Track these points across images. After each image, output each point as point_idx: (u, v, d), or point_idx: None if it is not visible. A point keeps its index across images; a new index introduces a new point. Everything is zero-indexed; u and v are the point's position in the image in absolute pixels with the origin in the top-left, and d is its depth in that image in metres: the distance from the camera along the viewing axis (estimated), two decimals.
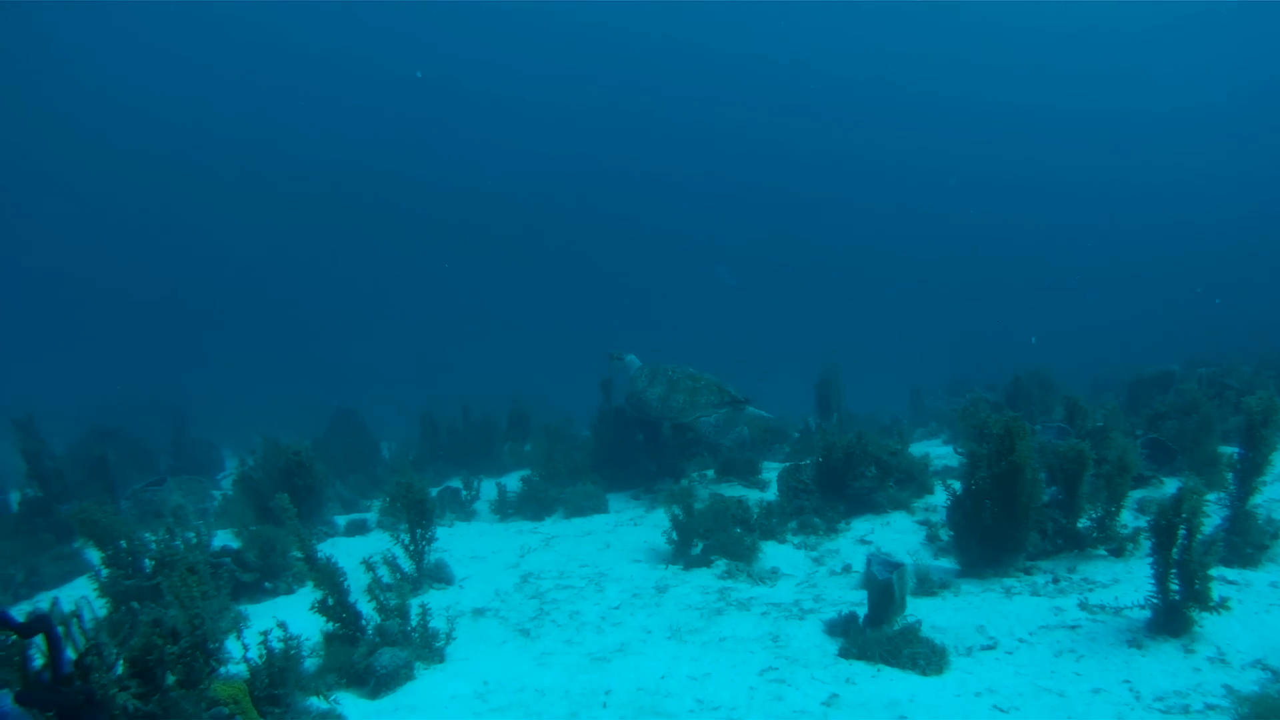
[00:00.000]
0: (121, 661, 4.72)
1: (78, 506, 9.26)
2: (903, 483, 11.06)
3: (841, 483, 10.63)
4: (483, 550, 10.39)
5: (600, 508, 11.94)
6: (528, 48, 72.05)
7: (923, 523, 10.10)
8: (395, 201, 76.98)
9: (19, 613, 4.77)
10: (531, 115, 77.44)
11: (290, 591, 9.28)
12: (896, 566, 7.19)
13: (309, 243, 74.40)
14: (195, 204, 73.46)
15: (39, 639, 4.54)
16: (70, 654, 4.56)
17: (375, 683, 6.50)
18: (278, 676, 5.93)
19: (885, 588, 7.00)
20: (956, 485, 8.67)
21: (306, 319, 60.44)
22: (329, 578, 7.06)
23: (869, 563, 7.69)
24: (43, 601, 9.53)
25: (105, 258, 69.89)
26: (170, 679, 4.80)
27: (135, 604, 7.44)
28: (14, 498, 12.61)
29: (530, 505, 12.10)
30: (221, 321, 59.40)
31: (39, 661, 4.97)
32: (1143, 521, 8.74)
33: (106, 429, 18.62)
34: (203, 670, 4.93)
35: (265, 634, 6.01)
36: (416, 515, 8.90)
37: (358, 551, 9.50)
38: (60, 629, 4.45)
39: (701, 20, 69.65)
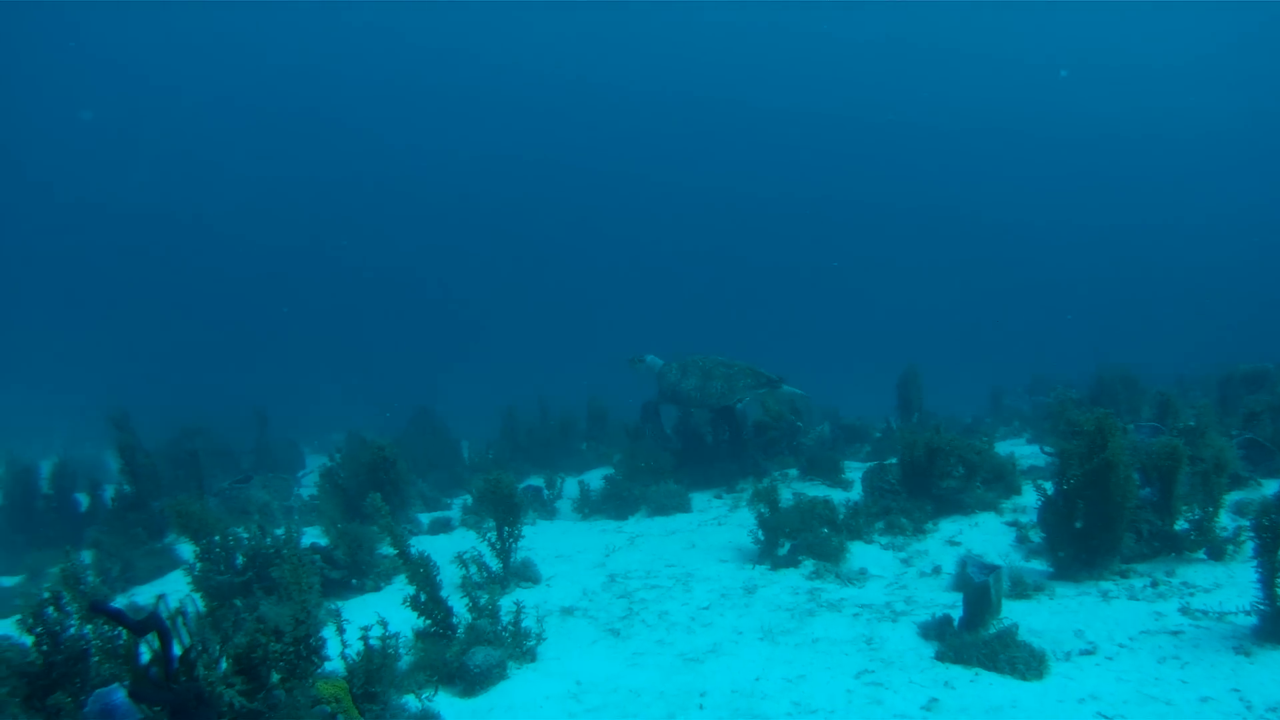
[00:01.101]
0: (225, 658, 4.77)
1: (174, 499, 9.43)
2: (990, 483, 10.90)
3: (927, 482, 10.50)
4: (567, 549, 10.40)
5: (683, 506, 11.89)
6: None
7: (1012, 524, 9.94)
8: (470, 203, 77.53)
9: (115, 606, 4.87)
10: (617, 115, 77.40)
11: (377, 589, 9.35)
12: (992, 569, 7.07)
13: (387, 247, 75.24)
14: (279, 208, 74.61)
15: (150, 636, 4.62)
16: (174, 649, 4.62)
17: (469, 681, 6.50)
18: (375, 674, 5.96)
19: (982, 590, 6.89)
20: (1048, 485, 8.51)
21: (384, 322, 61.16)
22: (423, 573, 7.10)
23: (964, 565, 7.59)
24: (138, 596, 9.71)
25: (189, 260, 71.19)
26: (275, 676, 4.83)
27: (238, 601, 7.53)
28: (108, 493, 12.85)
29: (613, 504, 12.10)
30: (301, 323, 60.27)
31: (146, 657, 5.06)
32: (1242, 523, 8.52)
33: (194, 427, 18.95)
34: (307, 667, 4.95)
35: (365, 630, 6.07)
36: (504, 512, 8.91)
37: (442, 549, 9.54)
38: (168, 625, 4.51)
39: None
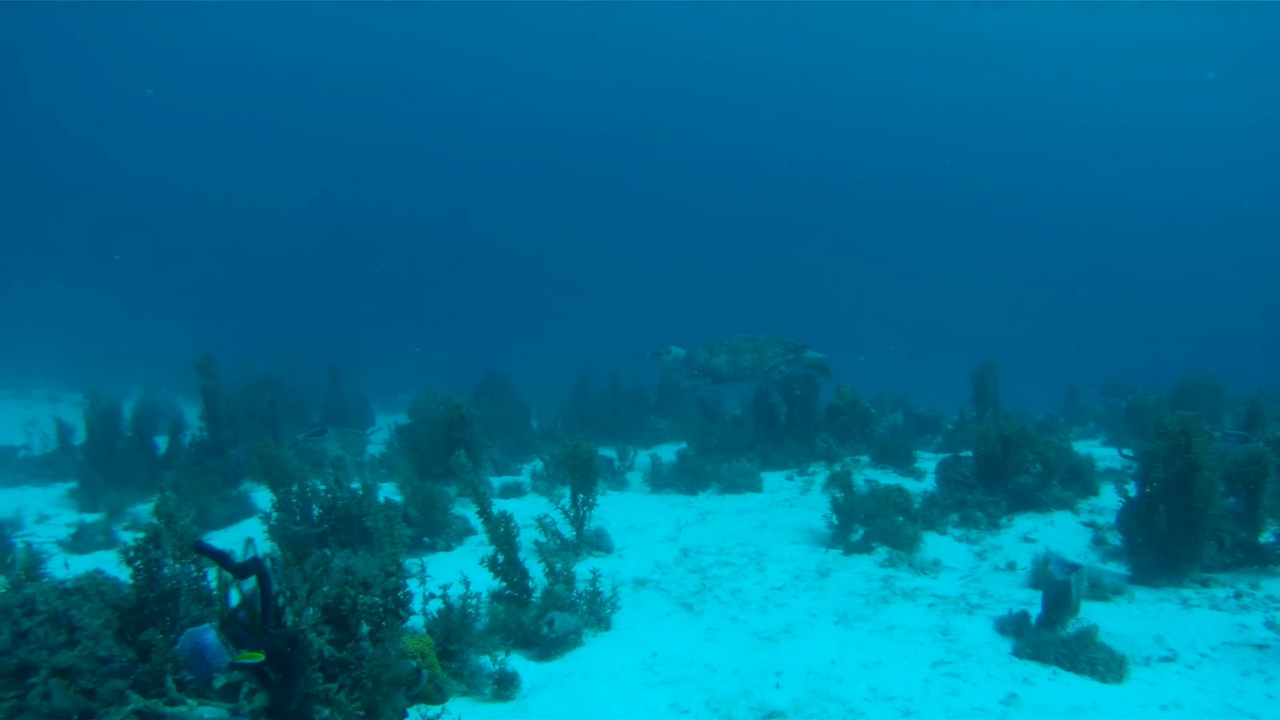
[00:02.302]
0: (312, 607, 4.84)
1: (259, 443, 9.56)
2: (1066, 482, 10.76)
3: (1003, 477, 10.39)
4: (639, 520, 10.43)
5: (754, 486, 11.85)
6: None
7: (1088, 524, 9.81)
8: (550, 177, 77.60)
9: None
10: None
11: (449, 548, 9.44)
12: (1074, 568, 6.99)
13: (466, 216, 75.66)
14: (364, 173, 75.42)
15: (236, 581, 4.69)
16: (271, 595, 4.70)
17: (544, 646, 6.54)
18: (454, 632, 6.03)
19: (1063, 589, 6.81)
20: (1130, 487, 8.39)
21: (457, 288, 61.59)
22: (503, 533, 7.15)
23: (1045, 562, 7.51)
24: (214, 541, 9.87)
25: (272, 224, 72.17)
26: (365, 628, 4.89)
27: (327, 550, 7.63)
28: (184, 439, 13.05)
29: (684, 479, 12.10)
30: (376, 286, 60.89)
31: (234, 600, 5.15)
32: None
33: (269, 377, 19.15)
34: (394, 621, 5.01)
35: (444, 588, 6.14)
36: (581, 479, 8.95)
37: (513, 513, 9.56)
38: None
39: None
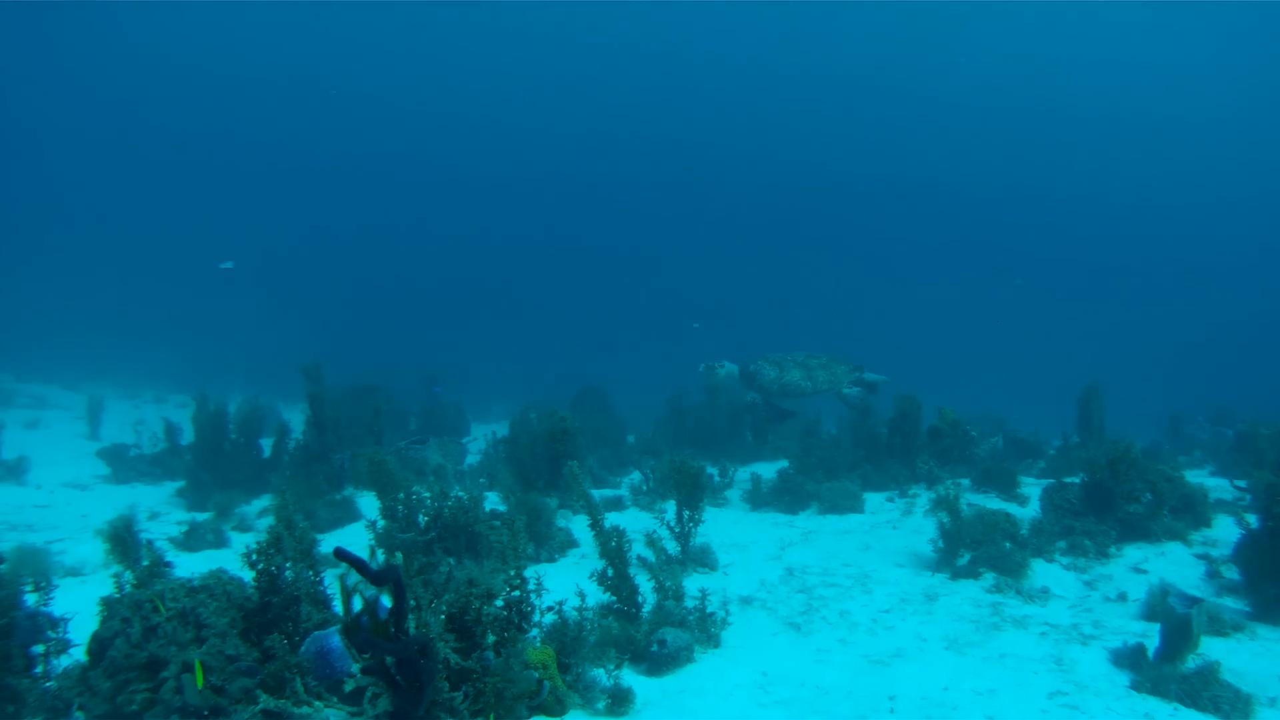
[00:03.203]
0: (434, 616, 4.92)
1: (368, 450, 9.72)
2: (1178, 512, 10.52)
3: (1112, 505, 10.20)
4: (741, 538, 10.41)
5: (856, 507, 11.78)
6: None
7: (1202, 556, 9.58)
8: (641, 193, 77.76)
9: None
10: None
11: (552, 560, 9.52)
12: (1195, 601, 6.84)
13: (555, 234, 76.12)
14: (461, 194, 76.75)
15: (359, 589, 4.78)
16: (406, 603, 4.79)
17: (655, 661, 6.57)
18: (569, 645, 6.09)
19: (1183, 623, 6.67)
20: (1251, 519, 8.20)
21: (550, 303, 61.99)
22: (615, 547, 7.20)
23: (1163, 594, 7.36)
24: (321, 545, 10.07)
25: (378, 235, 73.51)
26: (491, 638, 4.96)
27: (451, 559, 7.74)
28: (265, 444, 13.33)
29: (784, 498, 12.06)
30: (472, 299, 61.53)
31: (357, 605, 5.26)
32: None
33: (367, 384, 19.47)
34: (517, 633, 5.07)
35: (560, 602, 6.21)
36: (687, 495, 8.98)
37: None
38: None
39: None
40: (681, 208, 77.64)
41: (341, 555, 4.33)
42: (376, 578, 4.40)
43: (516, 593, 5.04)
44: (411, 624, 4.81)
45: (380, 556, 8.66)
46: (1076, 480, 10.79)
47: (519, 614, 5.14)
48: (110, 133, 70.10)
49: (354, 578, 7.52)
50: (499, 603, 5.01)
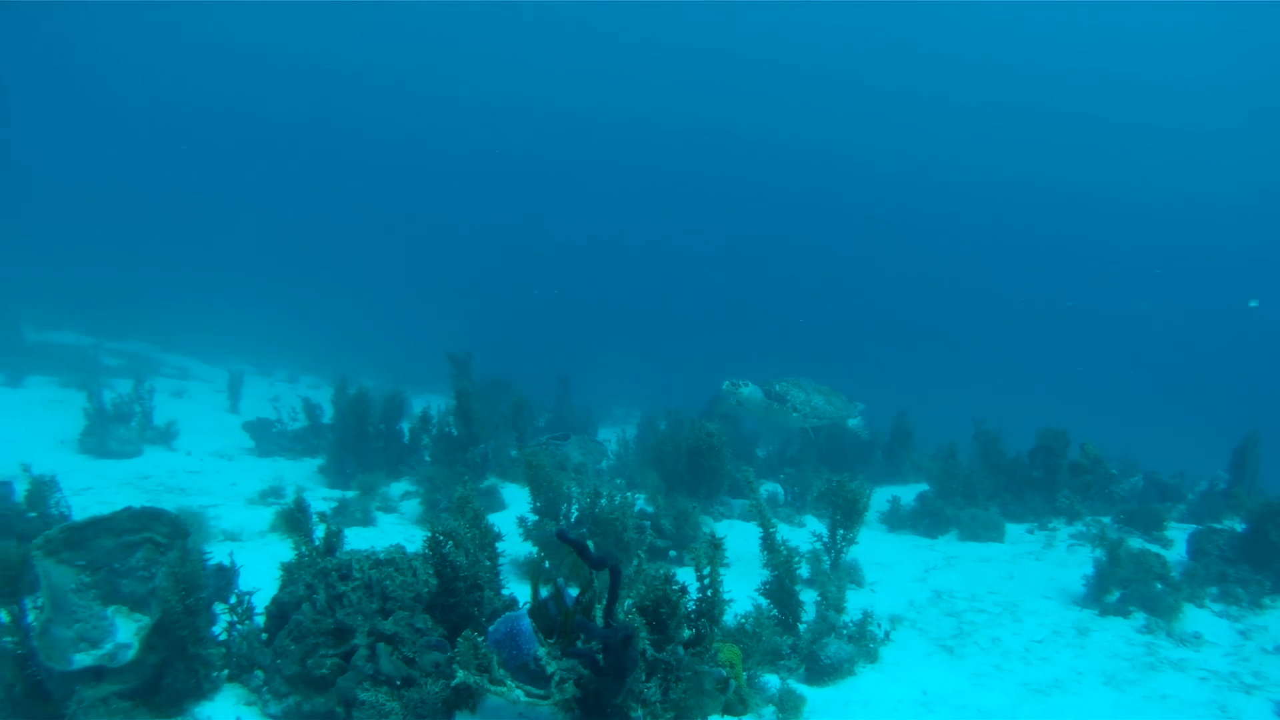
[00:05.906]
0: (623, 608, 5.04)
1: (530, 446, 9.92)
2: None
3: (1269, 556, 10.00)
4: (883, 558, 10.42)
5: (997, 537, 11.68)
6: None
7: None
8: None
9: None
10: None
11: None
12: None
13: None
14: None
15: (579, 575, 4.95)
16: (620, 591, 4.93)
17: (818, 671, 6.65)
18: (747, 648, 6.21)
19: None
20: None
21: (681, 312, 62.22)
22: (784, 559, 7.31)
23: None
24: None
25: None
26: (686, 632, 5.07)
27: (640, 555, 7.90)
28: (404, 427, 13.67)
29: (924, 521, 12.07)
30: (604, 303, 62.11)
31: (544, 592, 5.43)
32: None
33: (500, 380, 19.80)
34: (709, 630, 5.20)
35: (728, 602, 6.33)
36: (844, 514, 9.06)
37: (754, 535, 9.75)
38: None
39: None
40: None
41: (564, 538, 4.49)
42: (597, 562, 4.54)
43: (710, 591, 5.15)
44: (599, 613, 4.98)
45: (522, 551, 8.91)
46: (1226, 526, 10.58)
47: (712, 611, 5.24)
48: (266, 120, 72.64)
49: (545, 565, 7.79)
50: (693, 598, 5.13)
